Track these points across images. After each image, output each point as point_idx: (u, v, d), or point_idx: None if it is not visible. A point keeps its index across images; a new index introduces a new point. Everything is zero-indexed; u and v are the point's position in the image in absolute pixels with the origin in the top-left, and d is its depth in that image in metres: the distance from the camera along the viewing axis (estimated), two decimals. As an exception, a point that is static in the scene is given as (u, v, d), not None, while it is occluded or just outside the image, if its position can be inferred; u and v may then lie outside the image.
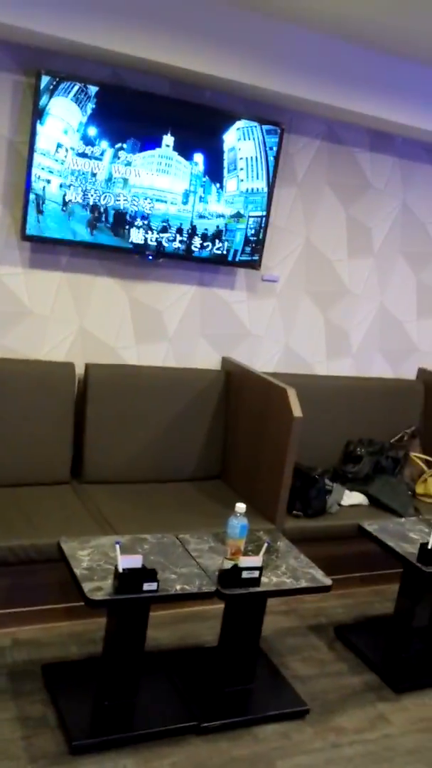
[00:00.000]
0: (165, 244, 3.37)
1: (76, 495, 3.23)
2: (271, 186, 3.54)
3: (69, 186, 3.11)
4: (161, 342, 3.64)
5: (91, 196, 3.16)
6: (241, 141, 3.40)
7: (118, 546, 2.30)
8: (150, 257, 3.39)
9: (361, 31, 3.06)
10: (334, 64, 3.26)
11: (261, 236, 3.59)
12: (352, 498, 3.66)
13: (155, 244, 3.35)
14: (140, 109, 3.17)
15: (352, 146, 3.86)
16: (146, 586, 2.29)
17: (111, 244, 3.27)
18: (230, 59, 3.05)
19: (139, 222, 3.29)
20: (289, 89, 3.20)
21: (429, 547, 2.84)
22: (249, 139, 3.42)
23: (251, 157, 3.46)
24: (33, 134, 3.00)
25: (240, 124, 3.37)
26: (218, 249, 3.50)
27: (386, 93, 3.43)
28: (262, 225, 3.58)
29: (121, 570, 2.26)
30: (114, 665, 2.51)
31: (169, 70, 3.06)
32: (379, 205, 4.03)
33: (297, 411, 3.18)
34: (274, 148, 3.49)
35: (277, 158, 3.51)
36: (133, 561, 2.30)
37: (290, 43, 3.14)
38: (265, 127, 3.43)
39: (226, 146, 3.38)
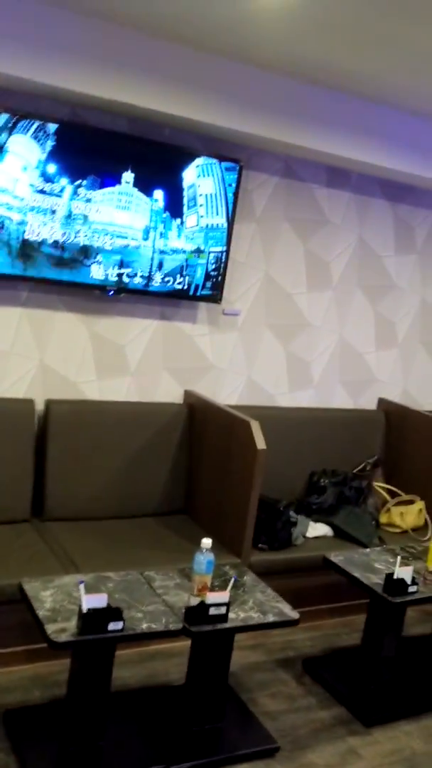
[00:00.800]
0: (126, 279, 3.38)
1: (38, 533, 3.17)
2: (230, 221, 3.58)
3: (28, 223, 3.10)
4: (123, 376, 3.63)
5: (51, 232, 3.16)
6: (200, 178, 3.45)
7: (81, 585, 2.26)
8: (111, 293, 3.39)
9: (315, 71, 3.15)
10: (290, 103, 3.34)
11: (221, 271, 3.62)
12: (317, 529, 3.66)
13: (116, 279, 3.36)
14: (99, 146, 3.19)
15: (309, 182, 3.94)
16: (111, 626, 2.25)
17: (71, 280, 3.27)
18: (188, 98, 3.10)
19: (99, 258, 3.29)
20: (246, 127, 3.26)
21: (394, 577, 2.84)
22: (208, 175, 3.47)
23: (211, 194, 3.50)
24: (-8, 171, 3.00)
25: (199, 161, 3.42)
26: (179, 284, 3.52)
27: (341, 131, 3.51)
28: (223, 260, 3.61)
29: (85, 610, 2.21)
30: (79, 708, 2.45)
31: (127, 108, 3.10)
32: (336, 240, 4.11)
33: (261, 443, 3.19)
34: (233, 185, 3.54)
35: (236, 194, 3.56)
36: (98, 600, 2.26)
37: (247, 83, 3.21)
38: (224, 164, 3.49)
39: (185, 183, 3.42)
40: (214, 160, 3.46)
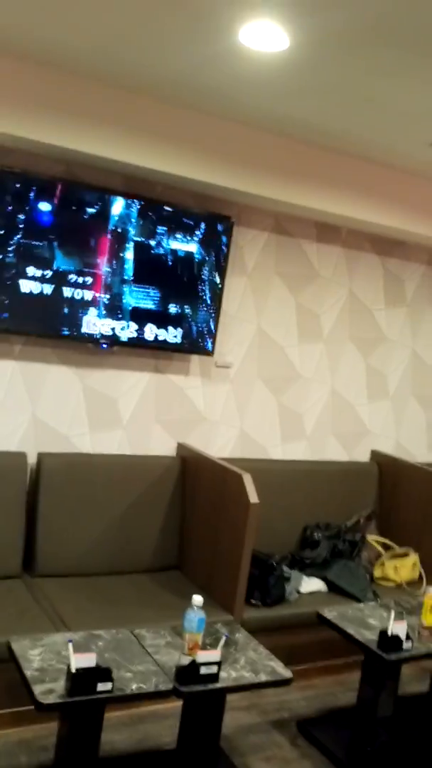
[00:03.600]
0: (119, 332, 3.41)
1: (29, 589, 3.12)
2: (222, 276, 3.63)
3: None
4: (116, 429, 3.62)
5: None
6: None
7: (70, 644, 2.22)
8: (104, 345, 3.41)
9: (304, 130, 3.24)
10: (280, 161, 3.42)
11: (214, 324, 3.65)
12: (311, 584, 3.61)
13: (110, 332, 3.38)
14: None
15: (299, 237, 4.00)
16: (100, 687, 2.19)
17: (64, 334, 3.29)
18: (181, 156, 3.17)
19: (93, 311, 3.32)
20: (237, 184, 3.33)
21: (389, 633, 2.80)
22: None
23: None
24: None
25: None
26: (173, 336, 3.55)
27: (330, 188, 3.59)
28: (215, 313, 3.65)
29: (74, 670, 2.16)
30: (67, 774, 2.37)
31: (119, 166, 3.16)
32: (327, 293, 4.16)
33: (253, 497, 3.17)
34: (225, 240, 3.60)
35: (227, 250, 3.62)
36: (87, 660, 2.21)
37: (238, 141, 3.29)
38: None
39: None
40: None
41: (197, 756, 2.60)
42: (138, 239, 3.37)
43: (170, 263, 3.47)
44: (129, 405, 3.64)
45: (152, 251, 3.42)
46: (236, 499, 3.23)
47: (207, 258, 3.57)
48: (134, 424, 3.66)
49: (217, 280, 3.62)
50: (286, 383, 4.12)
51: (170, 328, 3.53)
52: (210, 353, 3.71)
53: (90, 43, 2.52)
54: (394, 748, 3.05)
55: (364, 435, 4.47)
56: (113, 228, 3.31)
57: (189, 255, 3.51)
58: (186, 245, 3.49)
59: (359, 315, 4.31)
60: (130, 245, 3.36)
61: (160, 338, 3.52)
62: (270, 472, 3.87)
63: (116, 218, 3.31)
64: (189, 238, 3.50)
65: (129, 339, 3.44)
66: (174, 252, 3.47)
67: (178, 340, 3.57)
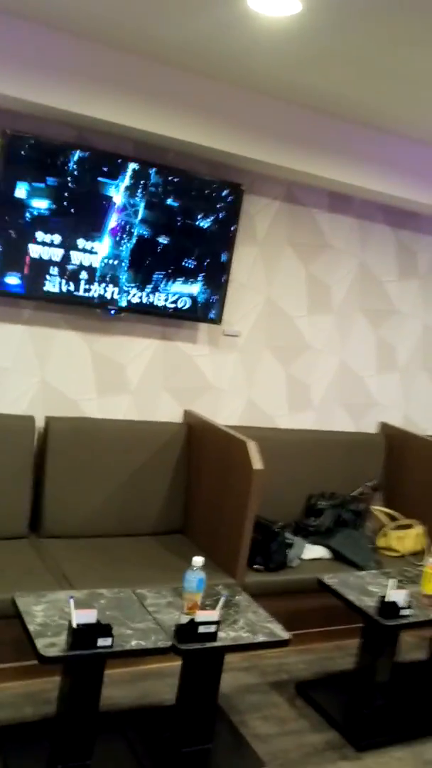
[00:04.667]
0: (127, 298, 3.43)
1: (35, 549, 3.19)
2: (232, 245, 3.62)
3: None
4: (123, 395, 3.66)
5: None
6: (202, 200, 3.51)
7: (72, 601, 2.27)
8: (112, 311, 3.43)
9: (318, 99, 3.21)
10: (293, 130, 3.39)
11: (222, 292, 3.66)
12: (314, 551, 3.65)
13: (118, 298, 3.41)
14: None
15: (311, 207, 3.98)
16: (101, 642, 2.25)
17: (75, 297, 3.31)
18: (193, 123, 3.16)
19: (100, 277, 3.34)
20: (249, 152, 3.31)
21: (387, 599, 2.84)
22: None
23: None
24: None
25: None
26: (182, 304, 3.56)
27: (343, 157, 3.56)
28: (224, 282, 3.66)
29: (75, 625, 2.22)
30: (68, 726, 2.44)
31: (132, 132, 3.16)
32: (338, 264, 4.15)
33: (257, 464, 3.20)
34: (236, 208, 3.59)
35: (237, 217, 3.61)
36: (88, 616, 2.27)
37: (251, 109, 3.27)
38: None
39: (188, 205, 3.48)
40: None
41: (196, 713, 2.67)
42: (148, 206, 3.37)
43: (180, 230, 3.47)
44: (137, 371, 3.67)
45: (162, 218, 3.42)
46: (241, 465, 3.27)
47: (217, 226, 3.57)
48: (142, 390, 3.70)
49: (227, 248, 3.62)
50: (295, 353, 4.13)
51: (178, 295, 3.55)
52: (218, 322, 3.72)
53: (102, 7, 2.50)
54: (390, 712, 3.11)
55: (373, 406, 4.48)
56: (122, 195, 3.31)
57: (199, 222, 3.51)
58: (196, 212, 3.49)
59: (370, 286, 4.29)
60: (140, 212, 3.36)
61: (169, 305, 3.53)
62: (276, 440, 3.90)
63: (126, 185, 3.31)
64: (199, 205, 3.49)
65: (137, 305, 3.46)
66: (184, 219, 3.47)
67: (187, 307, 3.58)
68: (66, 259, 3.24)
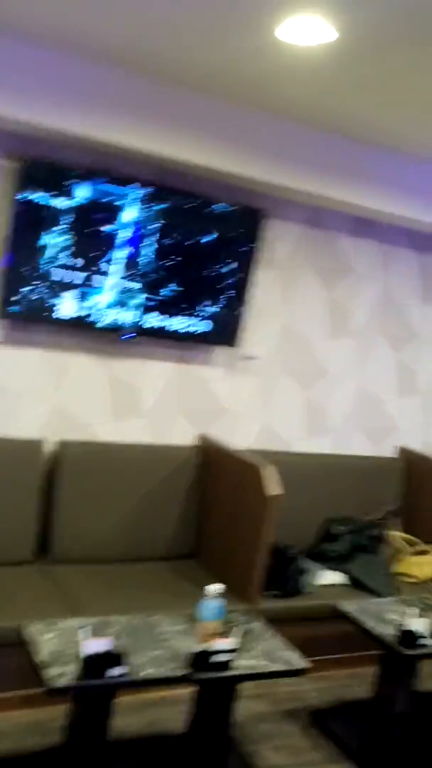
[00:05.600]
0: (144, 322, 3.43)
1: (45, 575, 3.17)
2: (251, 269, 3.63)
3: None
4: (138, 418, 3.65)
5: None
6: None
7: (83, 630, 2.26)
8: (127, 336, 3.44)
9: (342, 123, 3.20)
10: (317, 154, 3.39)
11: (241, 316, 3.66)
12: (329, 577, 3.61)
13: (135, 322, 3.41)
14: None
15: (334, 231, 3.97)
16: (112, 671, 2.23)
17: (89, 322, 3.32)
18: (216, 148, 3.17)
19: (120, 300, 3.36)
20: (272, 177, 3.32)
21: (408, 628, 2.78)
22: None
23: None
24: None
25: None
26: (200, 328, 3.56)
27: (367, 182, 3.56)
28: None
29: (85, 655, 2.20)
30: (76, 756, 2.42)
31: (153, 158, 3.16)
32: (360, 289, 4.13)
33: (273, 489, 3.17)
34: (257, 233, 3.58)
35: (258, 241, 3.60)
36: (100, 645, 2.25)
37: (274, 133, 3.28)
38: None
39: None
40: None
41: (208, 742, 2.63)
42: (166, 231, 3.39)
43: (200, 254, 3.48)
44: (152, 395, 3.67)
45: (183, 242, 3.43)
46: (256, 490, 3.24)
47: (237, 250, 3.57)
48: (157, 413, 3.69)
49: (246, 272, 3.61)
50: (314, 377, 4.11)
51: (196, 319, 3.55)
52: (236, 345, 3.71)
53: (125, 32, 2.51)
54: (409, 743, 3.04)
55: (392, 431, 4.44)
56: (141, 220, 3.33)
57: (219, 246, 3.51)
58: (217, 237, 3.49)
59: (392, 311, 4.27)
60: (158, 237, 3.37)
61: (186, 329, 3.54)
62: (292, 464, 3.85)
63: (146, 209, 3.32)
64: (220, 229, 3.49)
65: (153, 329, 3.47)
66: (204, 243, 3.48)
67: (204, 330, 3.58)
68: (82, 283, 3.26)
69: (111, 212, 3.26)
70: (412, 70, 2.43)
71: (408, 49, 2.27)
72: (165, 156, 3.11)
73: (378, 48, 2.30)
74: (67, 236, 3.18)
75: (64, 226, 3.17)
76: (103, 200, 3.24)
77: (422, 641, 2.80)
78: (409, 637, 2.79)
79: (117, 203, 3.27)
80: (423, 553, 3.96)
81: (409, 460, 4.34)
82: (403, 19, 2.05)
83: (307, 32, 2.22)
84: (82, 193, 3.18)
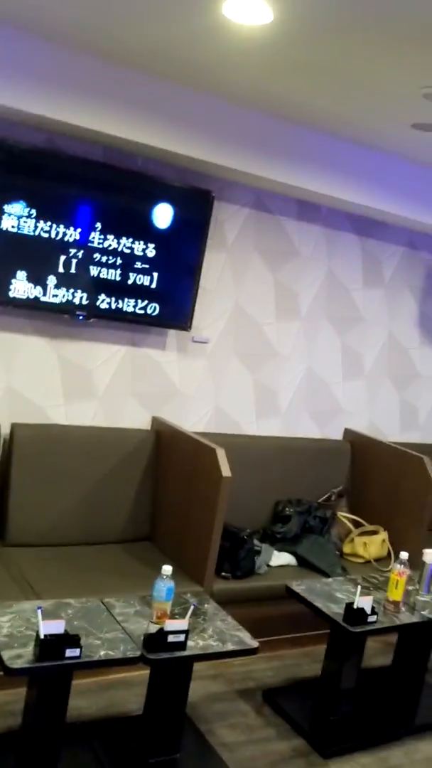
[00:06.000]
0: (95, 304, 3.40)
1: (0, 558, 3.14)
2: (201, 251, 3.63)
3: (0, 246, 3.12)
4: (90, 401, 3.62)
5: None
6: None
7: (39, 611, 2.24)
8: (80, 316, 3.40)
9: (287, 108, 3.23)
10: (262, 137, 3.41)
11: (191, 299, 3.66)
12: (281, 558, 3.67)
13: (86, 303, 3.38)
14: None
15: (279, 215, 4.00)
16: (69, 653, 2.22)
17: (42, 302, 3.28)
18: (163, 129, 3.16)
19: (68, 282, 3.31)
20: (218, 159, 3.32)
21: (355, 606, 2.86)
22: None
23: (182, 223, 3.55)
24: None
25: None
26: (151, 310, 3.55)
27: (311, 166, 3.59)
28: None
29: (42, 636, 2.19)
30: (33, 737, 2.40)
31: (102, 137, 3.13)
32: (305, 271, 4.17)
33: (226, 471, 3.20)
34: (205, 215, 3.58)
35: (207, 224, 3.61)
36: (56, 626, 2.24)
37: (221, 116, 3.28)
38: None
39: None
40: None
41: (163, 722, 2.65)
42: (116, 212, 3.36)
43: (149, 236, 3.46)
44: (104, 377, 3.64)
45: (131, 224, 3.41)
46: (209, 472, 3.26)
47: (187, 232, 3.56)
48: (109, 396, 3.67)
49: (196, 254, 3.62)
50: (263, 360, 4.15)
51: (147, 301, 3.53)
52: (187, 328, 3.71)
53: (74, 12, 2.49)
54: (356, 718, 3.12)
55: (338, 413, 4.52)
56: (91, 200, 3.28)
57: (168, 229, 3.50)
58: (166, 219, 3.49)
59: (337, 294, 4.33)
60: (109, 217, 3.34)
61: (137, 311, 3.52)
62: (243, 447, 3.90)
63: (95, 190, 3.29)
64: (169, 211, 3.48)
65: (105, 311, 3.44)
66: (153, 225, 3.46)
67: (156, 313, 3.57)
68: (33, 263, 3.21)
69: (60, 193, 3.21)
70: (345, 54, 2.47)
71: (340, 34, 2.32)
72: (113, 136, 3.07)
73: (311, 32, 2.34)
74: (20, 215, 3.12)
75: (19, 205, 3.10)
76: (51, 180, 3.18)
77: (369, 619, 2.87)
78: (355, 615, 2.85)
79: (66, 183, 3.22)
80: (369, 533, 4.06)
81: (355, 442, 4.43)
82: (335, 4, 2.09)
83: (247, 11, 2.25)
84: (33, 171, 3.12)
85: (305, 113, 3.28)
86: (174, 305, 3.62)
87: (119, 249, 3.39)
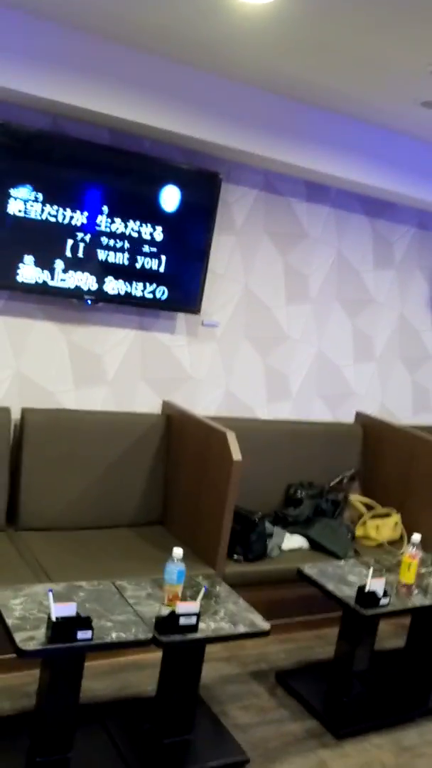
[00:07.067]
0: (104, 288, 3.39)
1: (11, 542, 3.15)
2: (210, 234, 3.60)
3: (7, 230, 3.11)
4: (101, 386, 3.62)
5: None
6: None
7: (51, 594, 2.25)
8: (89, 301, 3.39)
9: (295, 88, 3.20)
10: (270, 118, 3.38)
11: (201, 282, 3.64)
12: (293, 541, 3.66)
13: (95, 287, 3.37)
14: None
15: (288, 196, 3.97)
16: (80, 635, 2.23)
17: (50, 287, 3.27)
18: (170, 111, 3.13)
19: (79, 266, 3.30)
20: (226, 140, 3.29)
21: (367, 589, 2.85)
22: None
23: (190, 205, 3.53)
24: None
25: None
26: (160, 294, 3.54)
27: (320, 146, 3.56)
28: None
29: (54, 618, 2.20)
30: (47, 719, 2.42)
31: (109, 119, 3.11)
32: (315, 254, 4.14)
33: (237, 455, 3.19)
34: (213, 197, 3.56)
35: (215, 206, 3.58)
36: (67, 609, 2.25)
37: (228, 97, 3.25)
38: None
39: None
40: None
41: (176, 704, 2.66)
42: (124, 196, 3.34)
43: (157, 220, 3.44)
44: (114, 362, 3.64)
45: (138, 207, 3.39)
46: (220, 456, 3.26)
47: (195, 215, 3.54)
48: (119, 381, 3.67)
49: (205, 237, 3.59)
50: (273, 343, 4.13)
51: (155, 285, 3.52)
52: (196, 311, 3.70)
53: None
54: (369, 700, 3.13)
55: (349, 396, 4.50)
56: (98, 183, 3.27)
57: (176, 212, 3.48)
58: (173, 202, 3.46)
59: (347, 276, 4.30)
60: (116, 201, 3.32)
61: (146, 295, 3.50)
62: (255, 430, 3.89)
63: (102, 173, 3.27)
64: (176, 194, 3.46)
65: (114, 295, 3.43)
66: (161, 208, 3.44)
67: (165, 297, 3.56)
68: (40, 247, 3.20)
69: (68, 176, 3.19)
70: (351, 32, 2.43)
71: (346, 12, 2.28)
72: (120, 118, 3.05)
73: (317, 9, 2.30)
74: (27, 199, 3.11)
75: (25, 188, 3.09)
76: (58, 164, 3.16)
77: (381, 601, 2.86)
78: (367, 598, 2.85)
79: (74, 167, 3.20)
80: (382, 516, 4.04)
81: (367, 425, 4.41)
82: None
83: None
84: (39, 154, 3.10)
85: (313, 92, 3.24)
86: (183, 289, 3.60)
87: (127, 232, 3.38)
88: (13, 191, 3.08)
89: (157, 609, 2.52)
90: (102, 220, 3.31)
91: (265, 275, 4.00)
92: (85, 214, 3.26)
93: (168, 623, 2.40)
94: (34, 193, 3.12)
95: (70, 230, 3.25)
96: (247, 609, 2.68)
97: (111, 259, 3.37)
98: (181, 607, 2.42)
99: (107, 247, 3.35)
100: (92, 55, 2.91)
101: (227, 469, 3.20)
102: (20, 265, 3.17)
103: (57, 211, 3.19)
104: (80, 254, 3.29)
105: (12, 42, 2.76)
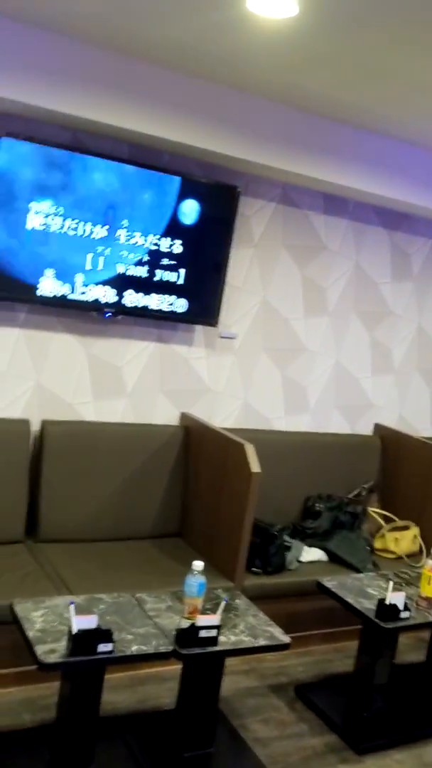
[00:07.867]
0: (123, 301, 3.41)
1: (32, 554, 3.16)
2: (228, 247, 3.62)
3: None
4: (120, 398, 3.64)
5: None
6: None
7: (72, 606, 2.26)
8: (107, 314, 3.42)
9: (312, 101, 3.21)
10: (288, 131, 3.39)
11: (219, 295, 3.65)
12: (311, 554, 3.65)
13: (114, 300, 3.39)
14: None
15: (306, 209, 3.98)
16: (101, 648, 2.24)
17: (70, 300, 3.29)
18: (189, 125, 3.15)
19: (98, 279, 3.33)
20: (244, 154, 3.30)
21: (387, 602, 2.83)
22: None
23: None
24: None
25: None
26: (179, 307, 3.55)
27: (338, 159, 3.56)
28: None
29: (75, 631, 2.21)
30: (67, 731, 2.42)
31: (128, 134, 3.14)
32: (333, 266, 4.15)
33: (255, 467, 3.19)
34: (231, 210, 3.58)
35: (233, 219, 3.60)
36: (88, 621, 2.25)
37: (246, 111, 3.26)
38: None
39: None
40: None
41: (196, 717, 2.66)
42: (144, 209, 3.36)
43: (175, 233, 3.46)
44: (133, 374, 3.65)
45: (158, 221, 3.41)
46: (238, 468, 3.26)
47: (213, 228, 3.56)
48: (138, 393, 3.68)
49: (223, 250, 3.61)
50: (291, 356, 4.13)
51: (175, 297, 3.53)
52: (214, 324, 3.71)
53: (97, 8, 2.49)
54: (389, 715, 3.10)
55: (368, 408, 4.49)
56: (117, 197, 3.29)
57: (195, 225, 3.50)
58: (192, 215, 3.48)
59: (365, 288, 4.30)
60: (135, 214, 3.35)
61: (165, 308, 3.52)
62: (273, 442, 3.89)
63: (121, 187, 3.30)
64: (195, 207, 3.48)
65: (133, 308, 3.45)
66: (179, 222, 3.46)
67: (183, 310, 3.57)
68: (61, 261, 3.23)
69: (88, 190, 3.23)
70: (371, 46, 2.44)
71: (366, 26, 2.28)
72: (138, 133, 3.07)
73: (337, 24, 2.31)
74: (48, 214, 3.14)
75: (47, 203, 3.12)
76: (78, 179, 3.19)
77: (401, 615, 2.84)
78: (387, 611, 2.83)
79: (92, 182, 3.23)
80: (401, 528, 4.02)
81: (385, 437, 4.39)
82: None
83: (273, 5, 2.22)
84: (60, 169, 3.14)
85: (331, 106, 3.25)
86: (201, 301, 3.62)
87: (146, 246, 3.40)
88: (34, 205, 3.11)
89: (177, 622, 2.52)
90: (121, 234, 3.33)
91: (283, 288, 4.01)
92: (106, 227, 3.29)
93: (188, 636, 2.40)
94: (55, 207, 3.16)
95: (90, 243, 3.27)
96: (267, 622, 2.68)
97: (130, 272, 3.40)
98: (202, 620, 2.42)
99: (126, 260, 3.37)
100: (112, 71, 2.94)
101: (246, 481, 3.20)
102: (41, 278, 3.20)
103: (77, 224, 3.22)
104: (100, 267, 3.32)
105: (34, 60, 2.80)
